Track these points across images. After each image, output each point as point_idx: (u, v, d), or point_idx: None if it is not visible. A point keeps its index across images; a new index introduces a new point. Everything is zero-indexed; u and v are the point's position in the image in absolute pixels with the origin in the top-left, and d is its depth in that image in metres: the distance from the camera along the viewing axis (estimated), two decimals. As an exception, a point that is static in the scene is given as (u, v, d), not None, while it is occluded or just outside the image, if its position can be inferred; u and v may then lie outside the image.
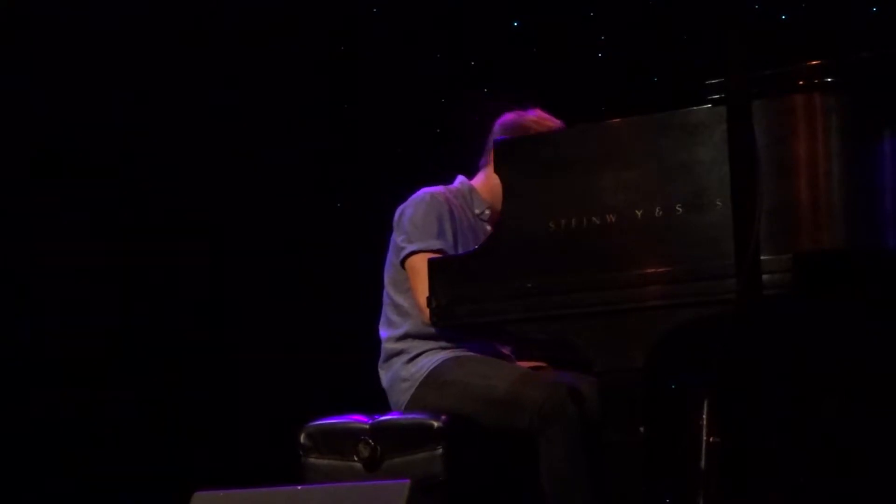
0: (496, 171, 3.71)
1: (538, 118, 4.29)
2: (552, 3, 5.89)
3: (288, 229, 6.00)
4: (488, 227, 4.27)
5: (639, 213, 3.37)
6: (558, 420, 3.81)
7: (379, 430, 3.98)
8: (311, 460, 4.06)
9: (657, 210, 3.35)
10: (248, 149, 6.06)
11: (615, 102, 5.34)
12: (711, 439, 3.68)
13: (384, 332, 4.23)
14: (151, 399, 5.99)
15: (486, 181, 4.33)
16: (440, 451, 3.89)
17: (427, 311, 3.80)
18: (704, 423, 3.68)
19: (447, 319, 3.68)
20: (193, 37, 6.01)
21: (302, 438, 4.08)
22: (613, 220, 3.40)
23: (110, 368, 5.99)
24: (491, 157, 4.24)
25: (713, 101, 3.30)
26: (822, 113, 3.23)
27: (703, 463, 3.65)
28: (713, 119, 3.29)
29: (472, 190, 4.32)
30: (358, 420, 4.03)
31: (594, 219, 3.42)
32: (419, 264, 4.05)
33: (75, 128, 6.03)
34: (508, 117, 4.32)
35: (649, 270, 3.36)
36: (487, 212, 4.29)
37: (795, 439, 4.34)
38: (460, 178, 4.37)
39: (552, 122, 4.28)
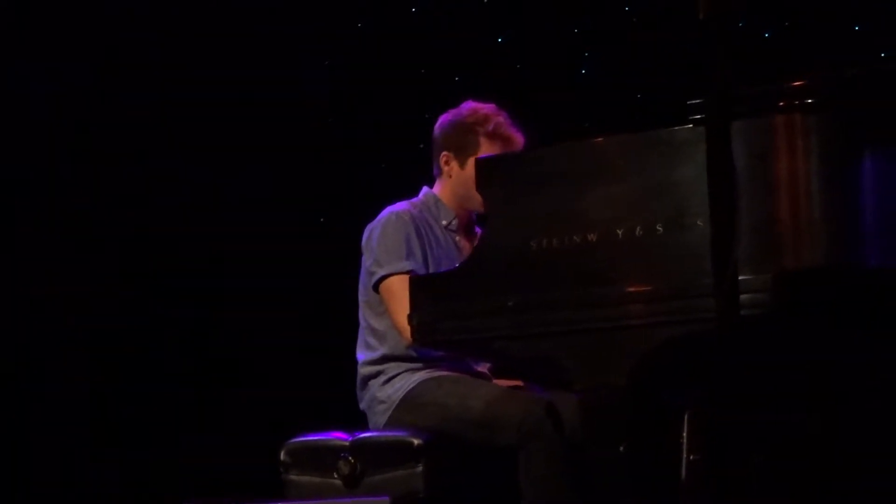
0: (478, 189, 3.71)
1: (471, 109, 4.29)
2: (536, 19, 5.90)
3: (270, 246, 5.99)
4: (457, 238, 4.29)
5: (620, 231, 3.36)
6: (537, 437, 3.82)
7: (359, 447, 3.98)
8: (292, 477, 4.06)
9: (638, 229, 3.35)
10: (224, 167, 6.06)
11: (598, 120, 5.37)
12: (692, 457, 3.68)
13: (361, 354, 4.22)
14: (132, 416, 5.98)
15: (445, 188, 4.32)
16: (420, 468, 3.90)
17: (406, 332, 3.83)
18: (685, 440, 3.68)
19: (428, 336, 3.68)
20: (174, 55, 6.01)
21: (282, 455, 4.08)
22: (595, 238, 3.39)
23: (91, 382, 5.98)
24: (442, 163, 4.30)
25: (695, 121, 3.30)
26: (802, 132, 3.24)
27: (683, 480, 3.65)
28: (695, 138, 3.28)
29: (437, 200, 4.31)
30: (338, 437, 4.03)
31: (575, 237, 3.41)
32: (394, 287, 4.08)
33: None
34: (445, 118, 4.33)
35: (630, 289, 3.36)
36: (455, 221, 4.30)
37: (778, 456, 4.34)
38: (425, 189, 4.36)
39: (485, 109, 4.28)
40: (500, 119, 4.26)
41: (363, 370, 4.20)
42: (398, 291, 4.01)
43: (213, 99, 6.00)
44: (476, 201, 4.14)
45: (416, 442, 3.90)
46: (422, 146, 5.49)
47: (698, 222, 3.26)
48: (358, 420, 4.21)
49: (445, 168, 4.30)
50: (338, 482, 3.97)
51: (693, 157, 3.30)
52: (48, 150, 6.03)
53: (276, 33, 6.05)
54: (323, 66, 6.14)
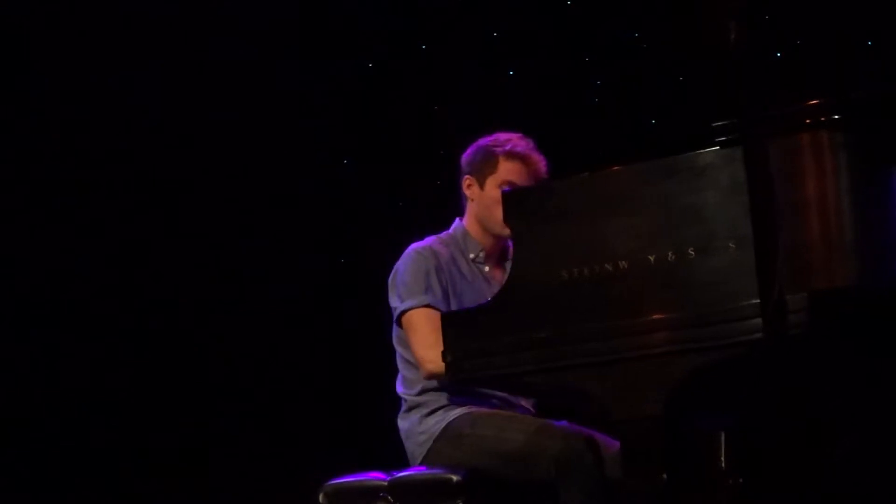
0: (505, 221, 3.71)
1: (495, 137, 4.32)
2: (547, 50, 5.92)
3: (303, 281, 6.01)
4: (486, 269, 4.31)
5: (651, 258, 3.34)
6: (575, 471, 3.79)
7: (397, 487, 3.97)
8: (331, 520, 4.05)
9: (669, 255, 3.33)
10: (254, 202, 6.08)
11: (614, 149, 5.37)
12: (731, 481, 3.66)
13: (401, 388, 4.26)
14: (168, 461, 5.97)
15: (470, 214, 4.36)
16: (459, 505, 3.88)
17: (424, 364, 4.01)
18: (723, 464, 3.67)
19: (460, 373, 3.65)
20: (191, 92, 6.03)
21: (321, 498, 4.06)
22: (626, 266, 3.37)
23: (127, 426, 5.98)
24: (465, 188, 4.33)
25: (720, 143, 3.29)
26: (829, 150, 3.22)
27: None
28: (721, 161, 3.28)
29: (465, 234, 4.34)
30: (376, 477, 4.02)
31: (607, 266, 3.39)
32: (413, 320, 4.14)
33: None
34: (470, 148, 4.37)
35: (663, 316, 3.33)
36: (482, 253, 4.32)
37: (811, 478, 4.32)
38: (456, 222, 4.39)
39: (507, 135, 4.31)
40: (521, 141, 4.29)
41: (406, 398, 4.24)
42: (417, 324, 4.11)
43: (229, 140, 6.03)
44: (496, 222, 4.18)
45: (454, 479, 3.88)
46: (438, 183, 5.55)
47: (730, 245, 3.25)
48: (395, 459, 4.19)
49: (468, 192, 4.34)
50: (378, 523, 3.96)
51: (719, 179, 3.29)
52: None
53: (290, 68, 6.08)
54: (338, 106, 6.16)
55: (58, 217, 5.99)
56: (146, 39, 5.99)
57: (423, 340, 4.07)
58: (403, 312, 4.17)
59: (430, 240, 4.31)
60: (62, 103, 5.96)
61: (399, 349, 4.25)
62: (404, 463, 4.18)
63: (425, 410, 4.16)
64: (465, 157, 4.36)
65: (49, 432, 5.94)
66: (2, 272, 5.95)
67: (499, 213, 4.14)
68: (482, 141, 4.35)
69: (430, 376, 4.06)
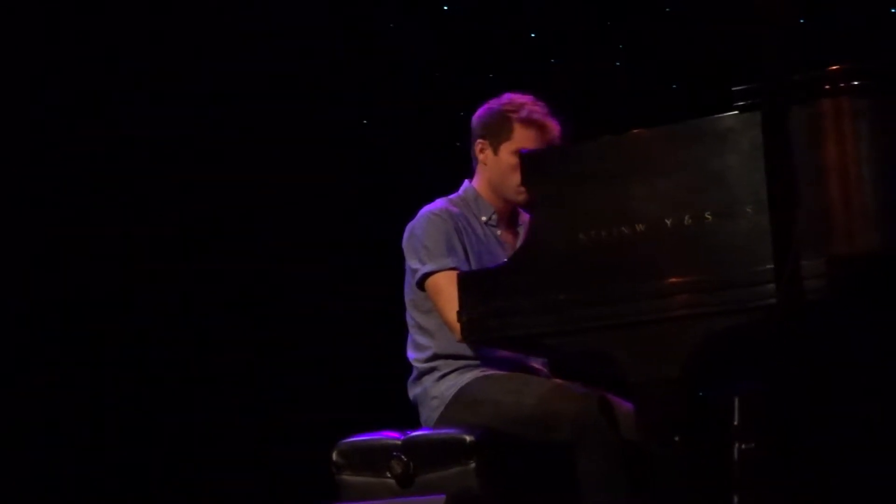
0: (524, 183, 3.71)
1: (507, 98, 4.27)
2: (569, 13, 5.90)
3: (318, 244, 6.01)
4: (499, 232, 4.27)
5: (668, 221, 3.34)
6: (592, 432, 3.78)
7: (411, 446, 3.97)
8: (345, 477, 4.05)
9: (686, 218, 3.33)
10: (271, 165, 6.08)
11: (637, 112, 5.36)
12: (744, 446, 3.67)
13: (412, 353, 4.23)
14: (183, 420, 5.99)
15: (482, 178, 4.31)
16: (473, 465, 3.88)
17: (456, 327, 3.82)
18: (736, 428, 3.67)
19: (477, 334, 3.67)
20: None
21: (334, 456, 4.07)
22: (643, 229, 3.37)
23: (142, 388, 6.00)
24: (477, 151, 4.28)
25: (740, 108, 3.28)
26: (850, 116, 3.21)
27: (736, 470, 3.64)
28: (741, 126, 3.28)
29: (476, 196, 4.29)
30: (390, 436, 4.03)
31: (624, 229, 3.39)
32: (439, 283, 4.08)
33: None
34: (481, 110, 4.31)
35: (680, 279, 3.33)
36: (495, 216, 4.28)
37: (829, 445, 4.32)
38: (465, 184, 4.35)
39: (521, 99, 4.25)
40: (535, 107, 4.24)
41: (417, 365, 4.20)
42: (444, 288, 4.04)
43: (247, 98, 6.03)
44: (510, 188, 4.20)
45: (468, 439, 3.88)
46: (458, 144, 5.54)
47: (747, 209, 3.24)
48: (409, 419, 4.20)
49: (480, 156, 4.28)
50: (391, 481, 3.96)
51: (739, 144, 3.29)
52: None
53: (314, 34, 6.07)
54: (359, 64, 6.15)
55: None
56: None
57: (453, 304, 3.87)
58: (427, 276, 4.12)
59: (441, 202, 4.27)
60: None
61: (412, 312, 4.21)
62: (419, 423, 4.18)
63: (437, 375, 4.14)
64: (477, 119, 4.30)
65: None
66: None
67: (513, 179, 4.17)
68: (494, 103, 4.28)
69: (464, 339, 3.93)
